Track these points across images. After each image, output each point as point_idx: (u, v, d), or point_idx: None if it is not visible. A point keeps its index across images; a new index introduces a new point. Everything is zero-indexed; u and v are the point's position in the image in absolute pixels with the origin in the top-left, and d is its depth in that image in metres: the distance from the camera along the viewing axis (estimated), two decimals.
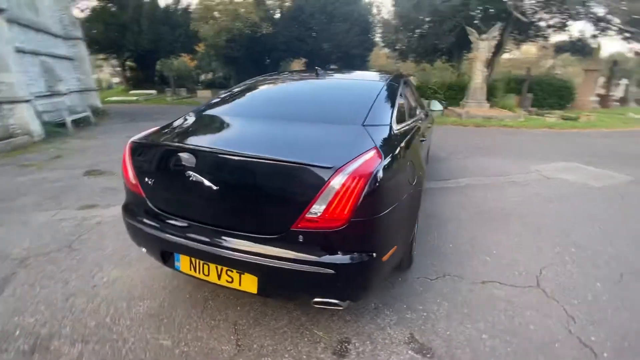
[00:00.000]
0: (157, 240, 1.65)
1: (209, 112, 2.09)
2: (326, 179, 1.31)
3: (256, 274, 1.46)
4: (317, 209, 1.33)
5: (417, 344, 1.65)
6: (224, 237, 1.51)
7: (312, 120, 1.87)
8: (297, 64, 21.83)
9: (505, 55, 17.87)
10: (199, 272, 1.60)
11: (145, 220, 1.70)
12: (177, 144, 1.64)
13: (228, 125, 1.92)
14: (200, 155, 1.50)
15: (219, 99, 2.29)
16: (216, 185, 1.45)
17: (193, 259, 1.59)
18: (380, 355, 1.59)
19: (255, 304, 1.91)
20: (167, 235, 1.61)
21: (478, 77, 11.75)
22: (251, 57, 18.09)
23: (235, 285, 1.53)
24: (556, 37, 15.58)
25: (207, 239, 1.52)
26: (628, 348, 1.65)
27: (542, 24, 14.35)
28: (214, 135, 1.91)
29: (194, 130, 1.91)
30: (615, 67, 14.97)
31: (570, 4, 12.53)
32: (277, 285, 1.52)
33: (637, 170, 4.69)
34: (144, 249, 1.83)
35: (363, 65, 20.27)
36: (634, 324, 1.81)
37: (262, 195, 1.45)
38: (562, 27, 15.24)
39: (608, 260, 2.43)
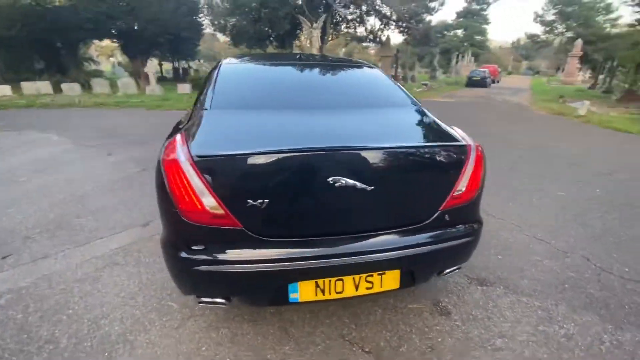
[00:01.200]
0: (269, 276, 1.28)
1: (235, 110, 1.63)
2: (466, 155, 1.41)
3: (400, 268, 1.41)
4: (462, 185, 1.42)
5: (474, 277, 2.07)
6: (365, 242, 1.36)
7: (360, 105, 1.83)
8: (110, 48, 17.56)
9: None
10: (329, 293, 1.37)
11: (247, 257, 1.27)
12: (289, 148, 1.24)
13: (285, 120, 1.58)
14: (334, 156, 1.26)
15: (217, 95, 1.77)
16: (367, 185, 1.26)
17: (320, 281, 1.35)
18: (468, 300, 1.91)
19: (344, 316, 1.80)
20: (286, 263, 1.28)
21: None
22: (35, 38, 13.13)
23: (375, 289, 1.42)
24: (360, 29, 19.19)
25: (344, 251, 1.32)
26: None
27: (350, 17, 17.36)
28: (294, 132, 1.50)
29: (257, 131, 1.47)
30: (398, 54, 20.00)
31: (361, 2, 15.62)
32: (422, 270, 1.51)
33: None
34: (226, 300, 1.36)
35: (193, 51, 18.52)
36: None
37: (410, 185, 1.38)
38: (360, 21, 18.88)
39: None
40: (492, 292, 1.98)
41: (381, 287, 1.42)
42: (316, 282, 1.34)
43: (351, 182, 1.24)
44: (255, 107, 1.67)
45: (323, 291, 1.36)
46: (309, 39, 12.77)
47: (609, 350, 1.59)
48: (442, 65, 32.42)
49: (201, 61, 23.90)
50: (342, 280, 1.36)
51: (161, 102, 10.61)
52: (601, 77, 19.89)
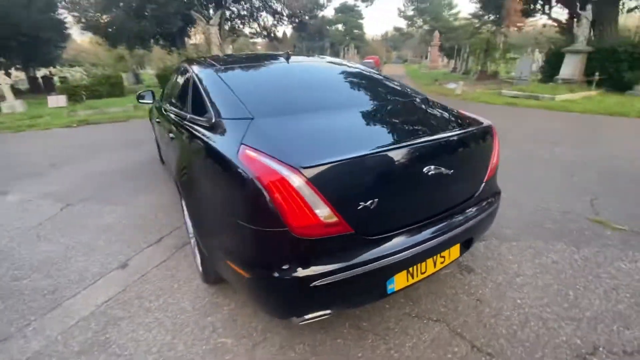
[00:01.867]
0: (375, 274, 1.30)
1: (280, 117, 1.52)
2: (492, 132, 1.67)
3: (461, 239, 1.61)
4: (494, 158, 1.69)
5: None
6: (446, 222, 1.50)
7: (384, 100, 1.94)
8: None
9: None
10: (416, 276, 1.47)
11: (358, 260, 1.25)
12: (384, 147, 1.28)
13: (341, 121, 1.56)
14: (424, 148, 1.36)
15: (248, 103, 1.61)
16: (448, 170, 1.40)
17: (411, 268, 1.43)
18: (478, 255, 2.26)
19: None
20: (390, 258, 1.31)
21: None
22: None
23: (446, 262, 1.58)
24: (254, 25, 18.84)
25: (433, 234, 1.44)
26: None
27: (245, 13, 16.86)
28: (368, 131, 1.55)
29: (330, 134, 1.44)
30: (295, 49, 20.46)
31: None
32: (475, 238, 1.71)
33: None
34: (330, 310, 1.32)
35: (54, 56, 15.09)
36: None
37: (468, 163, 1.56)
38: (253, 17, 18.56)
39: None
40: (490, 245, 2.39)
41: (449, 259, 1.60)
42: (407, 270, 1.43)
43: (441, 169, 1.36)
44: (295, 112, 1.60)
45: (412, 275, 1.46)
46: (206, 36, 11.93)
47: (583, 263, 2.15)
48: None
49: (66, 67, 19.44)
50: (425, 262, 1.48)
51: (32, 121, 8.47)
52: (459, 62, 24.22)
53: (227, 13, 15.22)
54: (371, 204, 1.23)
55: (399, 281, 1.41)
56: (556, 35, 14.17)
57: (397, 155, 1.29)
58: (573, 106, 8.02)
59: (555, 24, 13.87)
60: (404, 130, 1.56)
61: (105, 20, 13.57)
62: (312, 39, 20.81)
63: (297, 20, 17.69)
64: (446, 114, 1.79)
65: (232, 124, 1.50)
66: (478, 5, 20.49)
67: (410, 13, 47.72)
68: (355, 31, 50.20)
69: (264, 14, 17.59)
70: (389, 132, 1.53)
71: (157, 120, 3.18)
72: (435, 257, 1.51)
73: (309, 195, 1.12)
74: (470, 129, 1.55)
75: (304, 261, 1.21)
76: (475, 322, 1.72)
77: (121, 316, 1.85)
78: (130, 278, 2.17)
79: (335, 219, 1.18)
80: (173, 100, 2.60)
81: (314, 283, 1.19)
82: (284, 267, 1.21)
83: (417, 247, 1.37)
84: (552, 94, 8.97)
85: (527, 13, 13.81)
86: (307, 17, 16.84)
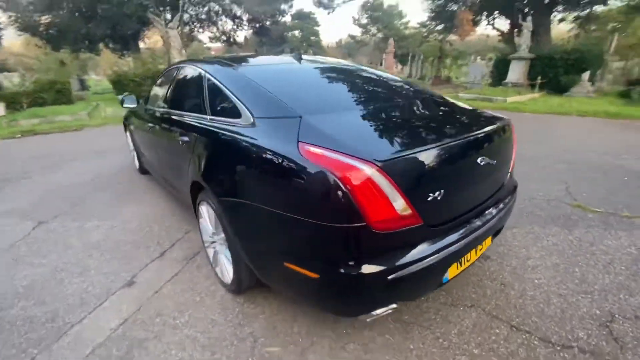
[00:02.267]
0: (438, 264, 1.32)
1: (327, 114, 1.48)
2: (511, 127, 1.80)
3: (497, 227, 1.70)
4: (514, 151, 1.82)
5: None
6: (485, 212, 1.57)
7: (406, 97, 1.99)
8: None
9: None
10: (464, 264, 1.53)
11: (427, 252, 1.26)
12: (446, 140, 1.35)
13: (386, 116, 1.57)
14: (475, 141, 1.43)
15: (290, 101, 1.57)
16: (493, 161, 1.48)
17: (463, 256, 1.49)
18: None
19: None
20: (451, 247, 1.35)
21: None
22: None
23: (483, 249, 1.66)
24: (213, 29, 18.29)
25: (479, 224, 1.50)
26: None
27: (203, 16, 16.30)
28: (418, 125, 1.59)
29: (385, 129, 1.44)
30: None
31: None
32: (504, 221, 1.81)
33: None
34: (396, 304, 1.32)
35: None
36: None
37: (502, 155, 1.65)
38: (212, 21, 18.05)
39: None
40: None
41: (485, 247, 1.69)
42: (459, 259, 1.48)
43: (489, 159, 1.44)
44: (336, 109, 1.58)
45: (461, 263, 1.51)
46: (165, 40, 11.32)
47: (578, 243, 2.38)
48: None
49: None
50: (471, 249, 1.55)
51: None
52: (413, 68, 25.51)
53: (185, 16, 14.60)
54: (438, 194, 1.26)
55: (451, 270, 1.46)
56: (499, 44, 15.61)
57: (458, 147, 1.34)
58: (523, 107, 8.87)
59: (499, 34, 15.29)
60: (451, 124, 1.63)
61: (47, 21, 12.24)
62: (273, 44, 20.73)
63: (257, 25, 17.51)
64: (471, 111, 1.88)
65: (277, 122, 1.45)
66: (427, 15, 21.83)
67: (365, 21, 49.51)
68: (312, 38, 50.90)
69: (223, 18, 17.16)
70: (438, 127, 1.57)
71: (147, 125, 2.96)
72: (477, 246, 1.58)
73: (387, 188, 1.12)
74: (501, 123, 1.65)
75: (381, 255, 1.20)
76: (506, 304, 1.83)
77: (145, 337, 1.68)
78: (142, 296, 1.98)
79: (409, 212, 1.19)
80: (175, 103, 2.45)
81: (390, 277, 1.19)
82: (360, 263, 1.19)
83: (470, 236, 1.43)
84: (503, 96, 9.85)
85: (475, 23, 15.10)
86: (268, 22, 16.72)
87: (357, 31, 57.78)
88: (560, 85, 10.52)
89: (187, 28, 16.00)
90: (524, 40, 10.94)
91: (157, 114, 2.71)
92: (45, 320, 1.82)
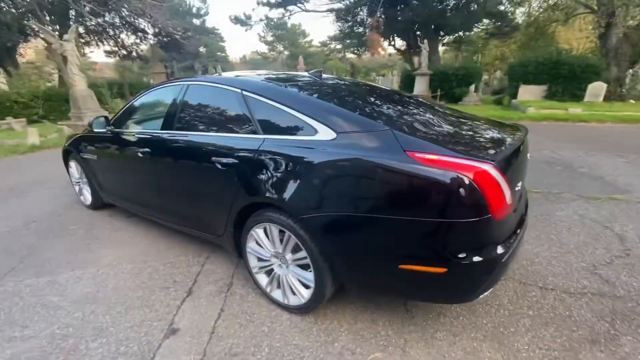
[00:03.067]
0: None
1: (401, 125, 1.61)
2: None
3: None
4: None
5: None
6: (522, 202, 1.92)
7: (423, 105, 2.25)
8: None
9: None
10: None
11: (518, 237, 1.51)
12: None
13: (439, 127, 1.73)
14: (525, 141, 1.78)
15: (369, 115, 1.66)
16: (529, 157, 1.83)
17: None
18: None
19: None
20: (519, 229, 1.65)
21: (81, 83, 10.36)
22: None
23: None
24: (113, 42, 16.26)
25: (525, 209, 1.85)
26: None
27: (99, 29, 14.34)
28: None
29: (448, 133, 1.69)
30: (167, 70, 18.68)
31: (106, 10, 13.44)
32: None
33: None
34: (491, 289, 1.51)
35: None
36: None
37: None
38: (105, 33, 16.09)
39: None
40: None
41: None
42: None
43: (528, 155, 1.79)
44: (402, 120, 1.74)
45: None
46: (60, 54, 9.58)
47: (541, 217, 3.02)
48: None
49: None
50: None
51: None
52: None
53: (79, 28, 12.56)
54: (520, 185, 1.54)
55: None
56: (399, 62, 17.98)
57: (520, 144, 1.65)
58: None
59: (398, 53, 17.65)
60: (499, 130, 1.86)
61: None
62: (184, 59, 19.41)
63: (166, 38, 16.22)
64: (489, 120, 2.21)
65: (365, 135, 1.53)
66: (327, 36, 23.65)
67: (270, 39, 50.66)
68: (219, 53, 49.59)
69: (124, 31, 15.37)
70: (493, 132, 1.81)
71: (127, 152, 2.58)
72: None
73: (502, 182, 1.34)
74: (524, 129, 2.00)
75: (498, 241, 1.41)
76: (525, 272, 2.24)
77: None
78: (198, 341, 1.75)
79: (512, 201, 1.43)
80: (190, 125, 2.24)
81: (504, 259, 1.41)
82: (488, 250, 1.37)
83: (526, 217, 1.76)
84: None
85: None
86: (178, 36, 15.62)
87: (263, 48, 58.60)
88: (455, 95, 12.74)
89: (80, 41, 13.81)
90: (423, 59, 12.92)
91: (153, 138, 2.40)
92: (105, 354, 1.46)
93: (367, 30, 17.06)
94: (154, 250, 2.68)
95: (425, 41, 13.20)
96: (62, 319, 1.95)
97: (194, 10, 17.02)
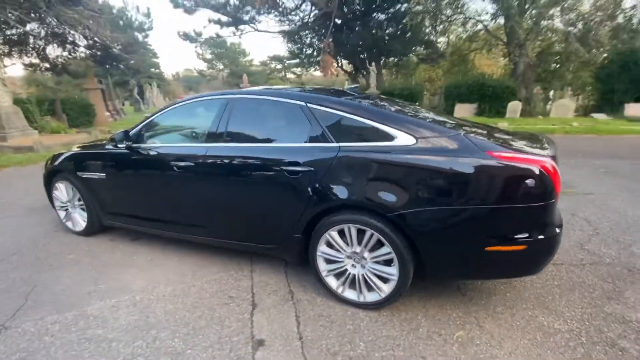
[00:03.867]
0: None
1: (459, 130, 1.89)
2: None
3: None
4: None
5: None
6: None
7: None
8: None
9: None
10: None
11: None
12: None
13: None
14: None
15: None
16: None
17: None
18: None
19: None
20: None
21: (5, 99, 9.01)
22: None
23: None
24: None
25: None
26: None
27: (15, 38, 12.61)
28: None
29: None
30: (102, 84, 17.01)
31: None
32: None
33: None
34: None
35: None
36: None
37: None
38: (25, 44, 14.32)
39: None
40: None
41: None
42: None
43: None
44: (446, 126, 2.03)
45: None
46: None
47: None
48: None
49: None
50: None
51: None
52: None
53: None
54: None
55: None
56: (347, 82, 19.16)
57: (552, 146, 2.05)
58: None
59: (346, 74, 18.83)
60: (520, 134, 2.25)
61: None
62: (124, 75, 17.80)
63: (99, 52, 14.83)
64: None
65: (442, 140, 1.78)
66: (271, 54, 24.21)
67: (209, 56, 49.54)
68: (152, 69, 46.68)
69: (49, 43, 13.68)
70: (521, 136, 2.19)
71: (156, 167, 2.45)
72: None
73: (558, 170, 1.69)
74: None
75: (556, 223, 1.74)
76: None
77: None
78: (291, 347, 1.76)
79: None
80: (244, 138, 2.29)
81: (559, 238, 1.75)
82: (554, 226, 1.69)
83: None
84: None
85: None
86: (116, 50, 14.35)
87: (201, 65, 56.94)
88: None
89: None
90: (372, 80, 14.04)
91: (198, 151, 2.33)
92: None
93: (314, 51, 17.95)
94: (187, 270, 2.53)
95: (374, 64, 14.40)
96: (122, 349, 1.77)
97: (136, 24, 15.91)
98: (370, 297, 1.98)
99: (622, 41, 15.57)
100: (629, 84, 12.78)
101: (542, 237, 1.68)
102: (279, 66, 53.71)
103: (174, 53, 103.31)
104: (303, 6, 16.21)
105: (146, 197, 2.68)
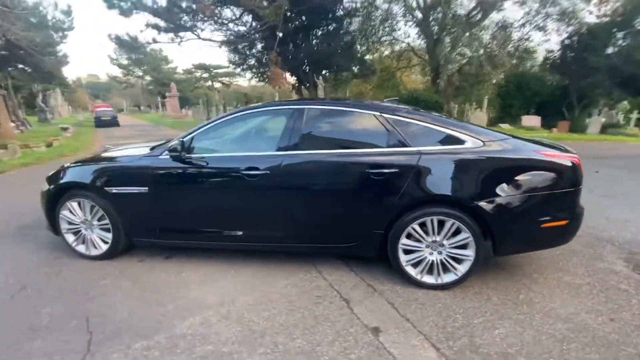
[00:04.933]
0: None
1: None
2: None
3: None
4: None
5: None
6: None
7: None
8: None
9: None
10: None
11: None
12: None
13: None
14: None
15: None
16: None
17: None
18: None
19: None
20: None
21: None
22: None
23: None
24: None
25: None
26: None
27: None
28: None
29: None
30: (3, 92, 14.09)
31: None
32: None
33: None
34: None
35: None
36: None
37: None
38: None
39: None
40: None
41: None
42: None
43: None
44: None
45: None
46: None
47: None
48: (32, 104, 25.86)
49: None
50: None
51: None
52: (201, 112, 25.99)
53: None
54: None
55: None
56: (292, 94, 19.58)
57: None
58: None
59: (291, 86, 19.26)
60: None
61: None
62: (32, 79, 14.78)
63: (3, 51, 12.32)
64: None
65: (499, 143, 2.24)
66: (192, 64, 23.38)
67: (125, 62, 44.87)
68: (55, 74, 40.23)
69: None
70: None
71: (238, 174, 2.45)
72: None
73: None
74: None
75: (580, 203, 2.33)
76: None
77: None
78: (405, 327, 1.98)
79: None
80: (320, 144, 2.47)
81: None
82: (579, 207, 2.27)
83: None
84: None
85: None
86: (31, 49, 11.98)
87: (115, 71, 51.19)
88: None
89: None
90: (320, 94, 14.70)
91: (272, 159, 2.39)
92: None
93: (257, 62, 17.96)
94: (254, 281, 2.52)
95: (321, 77, 15.11)
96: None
97: (53, 22, 13.43)
98: (447, 278, 2.32)
99: (514, 66, 19.37)
100: (523, 100, 15.96)
101: (576, 213, 2.25)
102: (205, 75, 51.50)
103: (79, 57, 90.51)
104: (245, 17, 16.18)
105: (208, 208, 2.59)
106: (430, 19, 17.06)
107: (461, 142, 2.26)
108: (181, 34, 14.43)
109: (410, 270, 2.36)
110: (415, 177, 2.22)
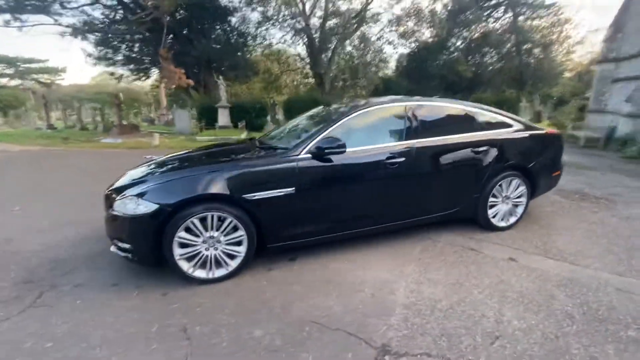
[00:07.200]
0: None
1: None
2: None
3: None
4: None
5: None
6: None
7: None
8: None
9: None
10: None
11: None
12: None
13: None
14: None
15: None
16: None
17: None
18: None
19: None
20: None
21: None
22: None
23: None
24: None
25: None
26: None
27: None
28: None
29: None
30: None
31: None
32: None
33: None
34: None
35: None
36: None
37: None
38: None
39: None
40: None
41: None
42: None
43: None
44: None
45: None
46: None
47: None
48: None
49: None
50: None
51: None
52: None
53: None
54: None
55: None
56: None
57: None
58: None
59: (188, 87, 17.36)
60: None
61: None
62: None
63: None
64: None
65: (528, 125, 3.46)
66: None
67: None
68: None
69: None
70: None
71: (379, 165, 2.79)
72: None
73: None
74: None
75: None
76: None
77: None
78: (535, 253, 2.90)
79: None
80: (430, 132, 3.02)
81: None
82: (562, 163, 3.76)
83: None
84: (238, 135, 12.45)
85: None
86: None
87: None
88: (255, 125, 14.88)
89: None
90: (222, 93, 13.99)
91: (404, 149, 2.86)
92: None
93: (137, 57, 15.37)
94: (397, 254, 2.91)
95: (221, 77, 14.33)
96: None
97: None
98: (510, 220, 3.40)
99: (373, 72, 23.56)
100: None
101: (562, 166, 3.73)
102: (9, 70, 37.98)
103: None
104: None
105: (354, 200, 2.80)
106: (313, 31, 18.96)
107: (509, 126, 3.35)
108: (24, 17, 10.81)
109: (495, 221, 3.33)
110: (500, 152, 3.20)
